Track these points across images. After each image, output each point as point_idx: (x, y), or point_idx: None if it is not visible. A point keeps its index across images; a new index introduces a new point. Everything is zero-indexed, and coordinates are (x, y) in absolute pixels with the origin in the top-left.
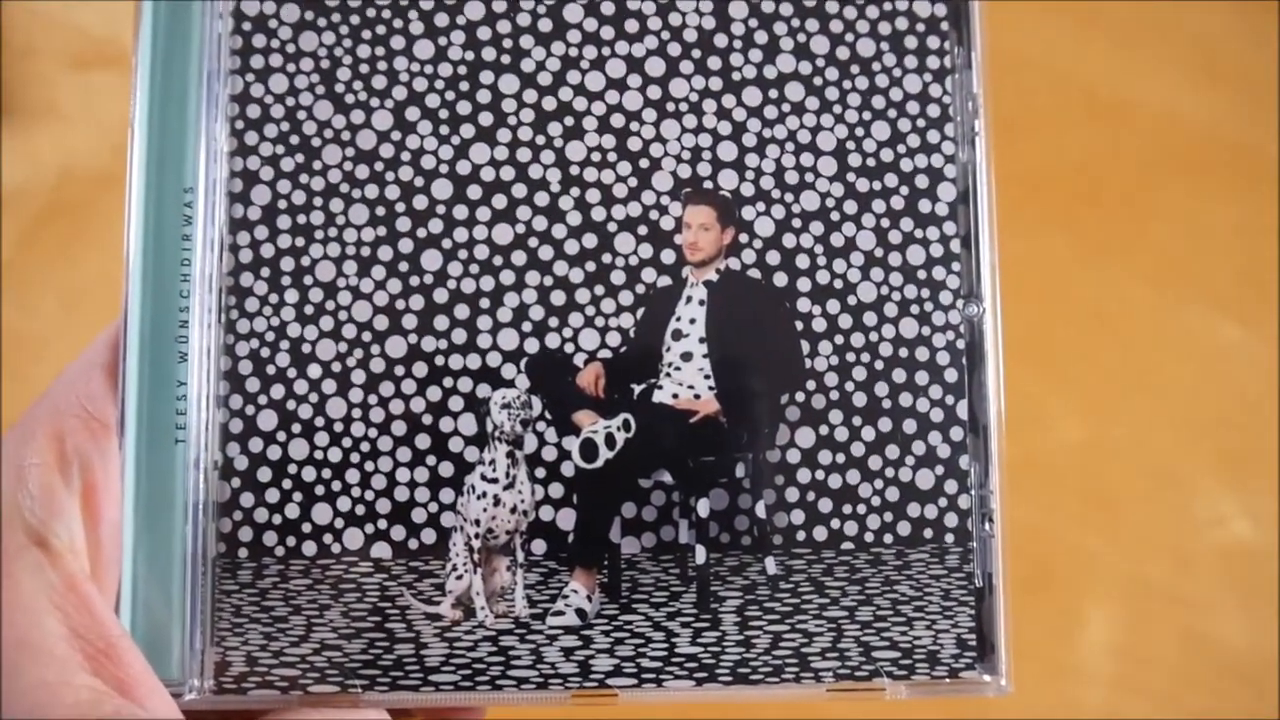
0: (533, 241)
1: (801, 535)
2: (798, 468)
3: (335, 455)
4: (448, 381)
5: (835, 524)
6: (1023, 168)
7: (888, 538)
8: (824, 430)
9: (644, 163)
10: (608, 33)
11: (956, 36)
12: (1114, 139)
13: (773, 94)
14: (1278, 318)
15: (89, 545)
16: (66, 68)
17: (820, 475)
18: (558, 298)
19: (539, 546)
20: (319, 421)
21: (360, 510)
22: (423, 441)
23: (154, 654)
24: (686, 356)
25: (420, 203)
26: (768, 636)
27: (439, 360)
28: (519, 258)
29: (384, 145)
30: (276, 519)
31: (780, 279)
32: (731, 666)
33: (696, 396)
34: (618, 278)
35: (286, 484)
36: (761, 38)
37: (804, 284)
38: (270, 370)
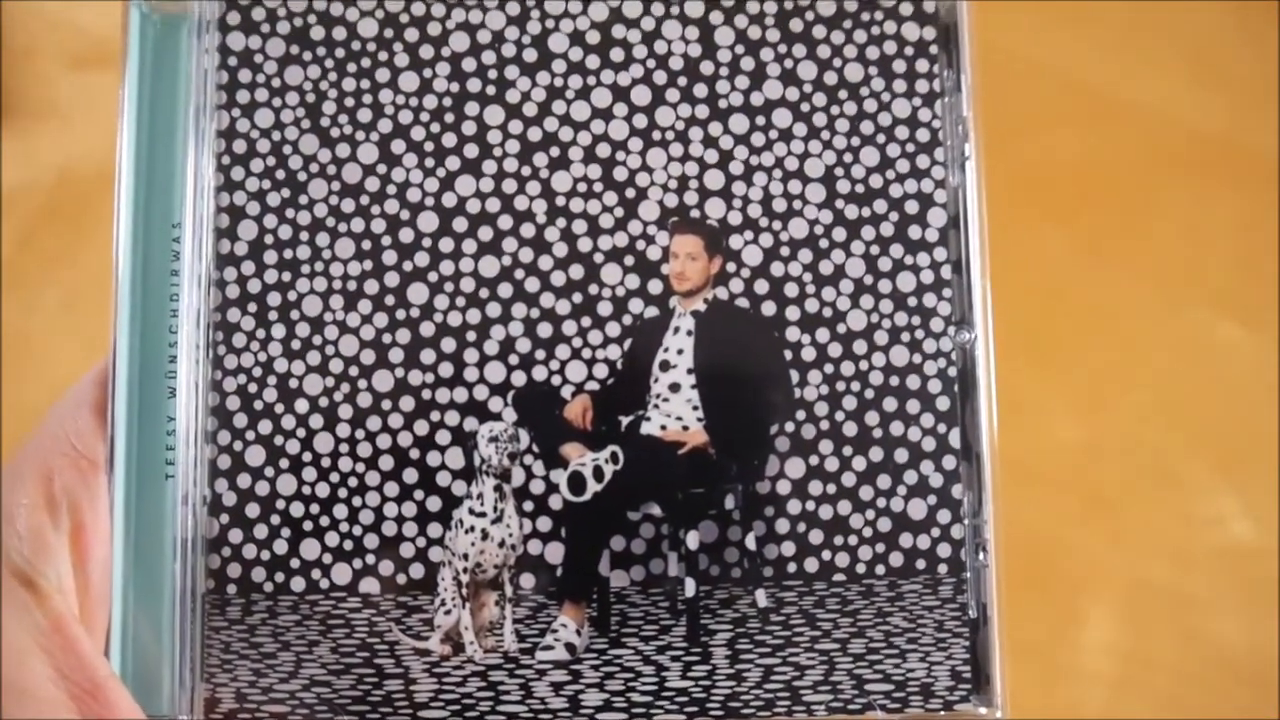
0: (519, 274)
1: (792, 567)
2: (788, 499)
3: (323, 490)
4: (435, 415)
5: (826, 555)
6: (1022, 167)
7: (880, 569)
8: (814, 460)
9: (630, 192)
10: (593, 62)
11: (945, 60)
12: (1114, 139)
13: (760, 121)
14: (1278, 318)
15: (77, 584)
16: (66, 68)
17: (811, 506)
18: (544, 330)
19: (528, 580)
20: (306, 456)
21: (348, 545)
22: (410, 476)
23: (144, 690)
24: (674, 387)
25: (406, 236)
26: (759, 670)
27: (426, 394)
28: (505, 290)
29: (369, 178)
30: (265, 555)
31: (769, 308)
32: (722, 701)
33: (685, 428)
34: (604, 309)
35: (275, 519)
36: (748, 64)
37: (793, 313)
38: (258, 406)
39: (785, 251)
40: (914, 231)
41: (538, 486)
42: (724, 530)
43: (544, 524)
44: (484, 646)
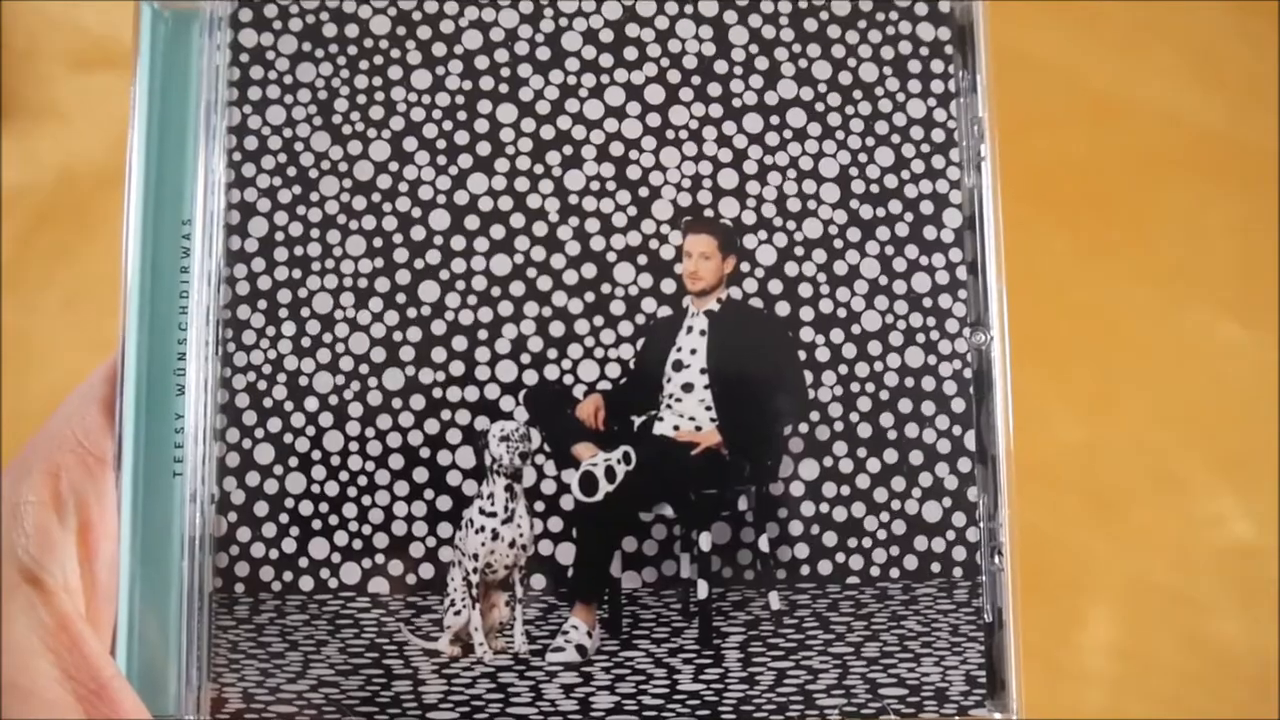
0: (531, 272)
1: (806, 569)
2: (802, 500)
3: (332, 489)
4: (445, 414)
5: (840, 558)
6: (1023, 167)
7: (894, 572)
8: (828, 462)
9: (644, 191)
10: (606, 60)
11: (961, 60)
12: (1115, 139)
13: (774, 120)
14: (1278, 318)
15: (84, 582)
16: (66, 68)
17: (825, 508)
18: (556, 329)
19: (538, 581)
20: (316, 455)
21: (357, 545)
22: (420, 475)
23: (150, 689)
24: (687, 388)
25: (418, 234)
26: (772, 673)
27: (436, 393)
28: (517, 288)
29: (381, 176)
30: (273, 554)
31: (783, 308)
32: (735, 704)
33: (698, 428)
34: (617, 308)
35: (283, 518)
36: (763, 64)
37: (807, 313)
38: (267, 403)
39: (799, 251)
40: (929, 232)
41: (549, 486)
42: (737, 532)
43: (555, 524)
44: (494, 648)
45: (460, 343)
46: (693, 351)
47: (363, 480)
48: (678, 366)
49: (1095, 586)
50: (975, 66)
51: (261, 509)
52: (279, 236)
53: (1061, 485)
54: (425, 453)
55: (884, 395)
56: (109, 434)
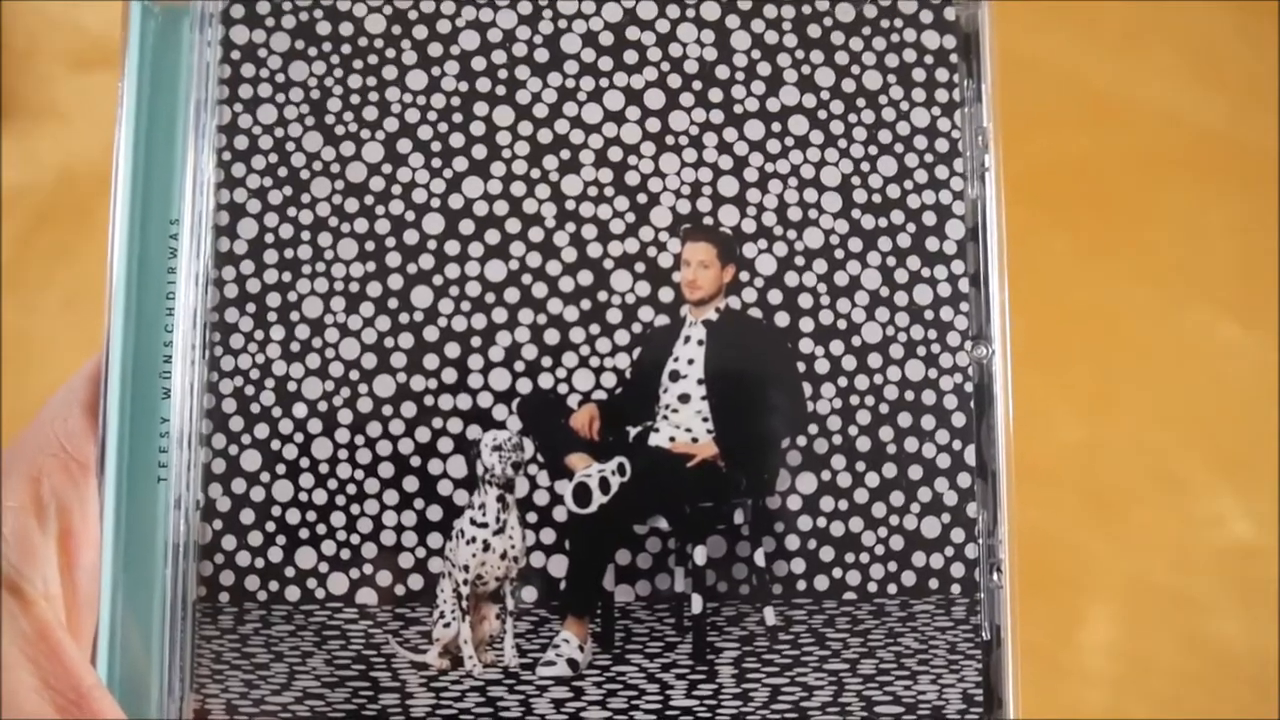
0: (526, 278)
1: (802, 584)
2: (799, 514)
3: (320, 497)
4: (437, 422)
5: (837, 573)
6: (1023, 167)
7: (892, 588)
8: (826, 476)
9: (642, 198)
10: (606, 64)
11: (966, 69)
12: (1114, 139)
13: (776, 128)
14: (1278, 318)
15: (64, 590)
16: (66, 68)
17: (822, 522)
18: (551, 337)
19: (530, 594)
20: (304, 462)
21: (345, 555)
22: (411, 484)
23: (131, 699)
24: (684, 398)
25: (411, 237)
26: (766, 689)
27: (428, 400)
28: (512, 295)
29: (374, 178)
30: (259, 562)
31: (782, 319)
32: None
33: (694, 440)
34: (614, 316)
35: (270, 526)
36: (765, 70)
37: (806, 324)
38: (255, 409)
39: (800, 261)
40: (931, 243)
41: (542, 497)
42: (732, 545)
43: (548, 536)
44: (484, 661)
45: (453, 349)
46: (690, 361)
47: (351, 489)
48: (674, 377)
49: (1095, 587)
50: (980, 75)
51: (247, 516)
52: (269, 238)
53: (1061, 485)
54: (416, 461)
55: (883, 409)
56: (92, 438)
